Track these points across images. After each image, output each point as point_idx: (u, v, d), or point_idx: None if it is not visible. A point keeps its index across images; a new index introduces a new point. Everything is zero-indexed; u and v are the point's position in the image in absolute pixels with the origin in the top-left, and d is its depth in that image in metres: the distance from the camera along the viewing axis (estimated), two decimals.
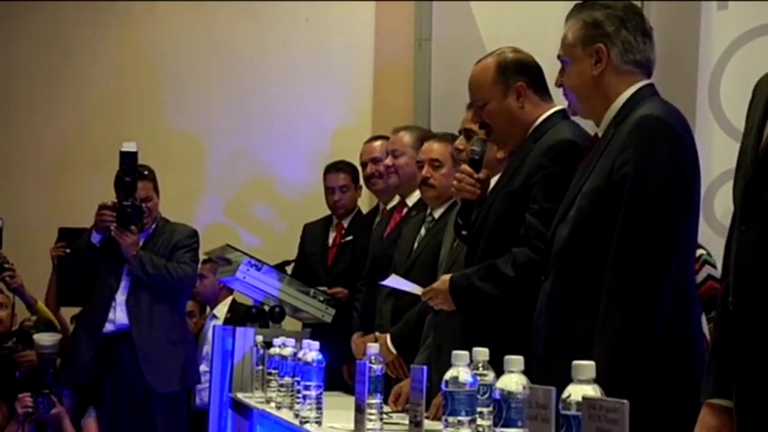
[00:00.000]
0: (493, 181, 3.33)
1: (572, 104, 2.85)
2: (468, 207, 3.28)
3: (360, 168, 5.69)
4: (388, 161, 4.76)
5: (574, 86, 2.80)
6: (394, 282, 3.70)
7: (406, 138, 4.69)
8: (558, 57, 2.84)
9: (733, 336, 2.11)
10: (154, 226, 5.40)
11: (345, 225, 5.77)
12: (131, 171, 5.13)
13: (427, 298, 3.28)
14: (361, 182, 5.73)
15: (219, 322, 6.16)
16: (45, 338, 5.36)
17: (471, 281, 3.13)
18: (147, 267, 5.15)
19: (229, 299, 6.46)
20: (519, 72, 3.23)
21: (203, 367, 5.84)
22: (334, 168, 5.82)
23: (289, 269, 5.57)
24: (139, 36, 7.29)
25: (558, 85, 2.86)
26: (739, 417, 2.09)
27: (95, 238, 5.22)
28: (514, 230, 3.09)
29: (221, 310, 6.44)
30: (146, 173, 5.36)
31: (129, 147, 5.11)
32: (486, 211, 3.23)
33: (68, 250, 5.65)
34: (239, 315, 6.09)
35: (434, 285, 3.26)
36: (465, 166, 3.30)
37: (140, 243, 5.26)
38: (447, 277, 3.21)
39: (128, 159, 5.11)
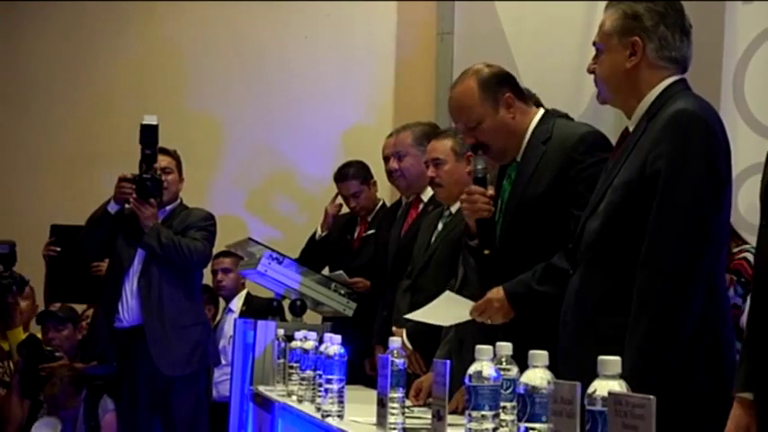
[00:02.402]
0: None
1: (602, 93, 2.83)
2: (488, 226, 3.21)
3: (369, 164, 5.74)
4: (394, 164, 4.76)
5: (605, 76, 2.79)
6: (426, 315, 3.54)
7: (408, 138, 4.70)
8: (594, 43, 2.83)
9: (754, 331, 2.10)
10: (171, 209, 5.39)
11: (370, 219, 5.77)
12: (152, 143, 5.13)
13: (479, 313, 3.17)
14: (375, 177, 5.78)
15: (236, 316, 6.16)
16: None
17: (530, 286, 3.08)
18: (162, 237, 5.14)
19: (244, 292, 6.46)
20: (502, 84, 3.26)
21: (221, 360, 5.85)
22: (341, 178, 5.78)
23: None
24: (161, 31, 7.31)
25: (591, 71, 2.84)
26: (760, 411, 2.08)
27: (112, 208, 5.22)
28: (557, 228, 3.07)
29: (237, 303, 6.45)
30: (171, 151, 5.39)
31: (150, 119, 5.13)
32: (510, 218, 3.20)
33: (59, 249, 5.66)
34: (254, 308, 6.10)
35: (488, 297, 3.15)
36: (474, 186, 3.24)
37: (159, 219, 5.26)
38: (499, 289, 3.13)
39: (148, 132, 5.12)
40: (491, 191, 3.26)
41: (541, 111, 3.28)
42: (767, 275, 2.08)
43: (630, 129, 2.76)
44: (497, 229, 3.24)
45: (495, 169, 3.39)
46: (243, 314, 6.17)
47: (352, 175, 5.75)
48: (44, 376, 5.63)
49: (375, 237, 5.45)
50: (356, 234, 5.78)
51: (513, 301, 3.09)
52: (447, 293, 3.51)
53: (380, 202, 5.80)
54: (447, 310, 3.41)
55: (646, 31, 2.72)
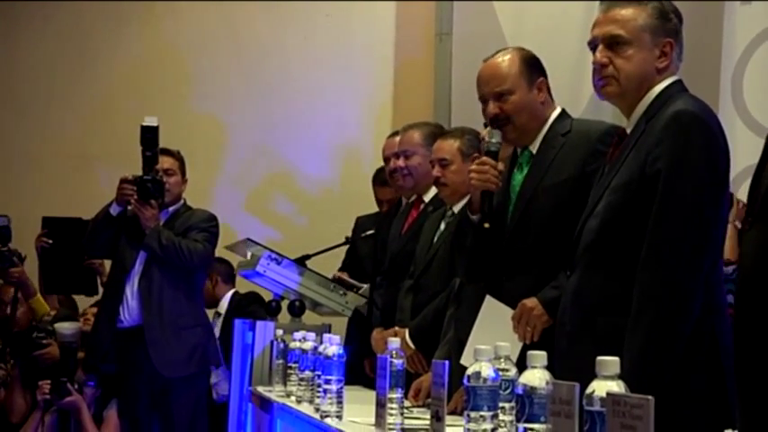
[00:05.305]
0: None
1: (612, 86, 2.72)
2: (491, 198, 3.21)
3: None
4: (401, 162, 4.76)
5: (634, 72, 2.70)
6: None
7: (416, 136, 4.68)
8: (609, 34, 2.71)
9: (735, 333, 2.09)
10: (174, 210, 5.39)
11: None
12: (152, 145, 5.13)
13: (522, 328, 3.09)
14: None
15: (221, 319, 6.14)
16: (66, 327, 5.38)
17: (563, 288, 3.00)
18: (162, 239, 5.14)
19: (230, 292, 6.40)
20: (539, 69, 3.30)
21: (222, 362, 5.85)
22: (382, 182, 5.76)
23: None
24: (160, 31, 7.31)
25: (603, 63, 2.71)
26: (742, 415, 2.07)
27: (114, 209, 5.23)
28: (574, 216, 2.97)
29: (223, 305, 6.39)
30: (174, 152, 5.39)
31: (151, 121, 5.12)
32: (524, 206, 3.20)
33: (51, 241, 5.67)
34: (241, 304, 6.13)
35: (524, 311, 3.09)
36: (486, 158, 3.22)
37: (161, 220, 5.26)
38: (533, 299, 3.09)
39: (148, 133, 5.12)
40: (501, 166, 3.25)
41: (560, 108, 3.31)
42: (750, 280, 2.06)
43: (628, 130, 2.75)
44: (508, 217, 3.23)
45: (508, 153, 3.39)
46: (228, 313, 6.17)
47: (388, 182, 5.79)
48: (42, 368, 5.63)
49: (374, 237, 5.45)
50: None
51: (549, 307, 3.04)
52: (488, 299, 3.34)
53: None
54: (490, 327, 3.26)
55: (676, 34, 2.71)
